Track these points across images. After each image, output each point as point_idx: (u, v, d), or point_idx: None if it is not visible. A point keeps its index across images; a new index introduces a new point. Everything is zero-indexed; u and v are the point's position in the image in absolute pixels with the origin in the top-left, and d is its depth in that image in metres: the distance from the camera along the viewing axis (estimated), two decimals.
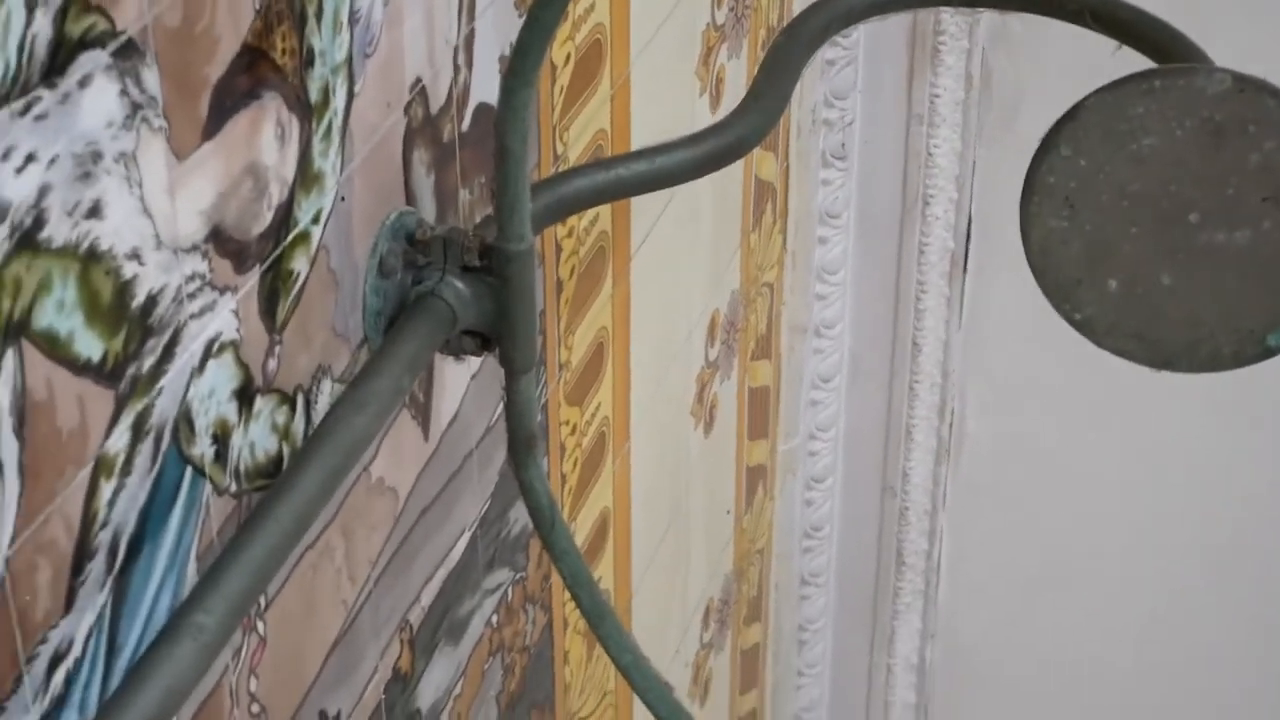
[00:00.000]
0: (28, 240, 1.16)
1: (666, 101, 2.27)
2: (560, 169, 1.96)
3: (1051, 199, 1.71)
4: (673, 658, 2.73)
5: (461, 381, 1.85)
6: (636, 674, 1.78)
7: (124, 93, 1.23)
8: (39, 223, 1.17)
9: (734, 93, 2.46)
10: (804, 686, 3.38)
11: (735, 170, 2.56)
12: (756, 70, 1.92)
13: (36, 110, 1.15)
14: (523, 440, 1.67)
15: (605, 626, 1.76)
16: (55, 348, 1.20)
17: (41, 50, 1.14)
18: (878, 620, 3.35)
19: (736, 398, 2.82)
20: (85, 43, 1.18)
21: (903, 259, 3.00)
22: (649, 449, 2.42)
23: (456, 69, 1.71)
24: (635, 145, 2.14)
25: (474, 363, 1.84)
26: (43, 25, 1.14)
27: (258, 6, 1.37)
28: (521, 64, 1.48)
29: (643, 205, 2.24)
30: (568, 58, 1.97)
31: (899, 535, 3.26)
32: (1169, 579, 3.23)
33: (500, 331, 1.62)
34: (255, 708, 1.54)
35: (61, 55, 1.16)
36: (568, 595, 2.22)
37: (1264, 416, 3.05)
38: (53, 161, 1.17)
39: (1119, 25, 1.96)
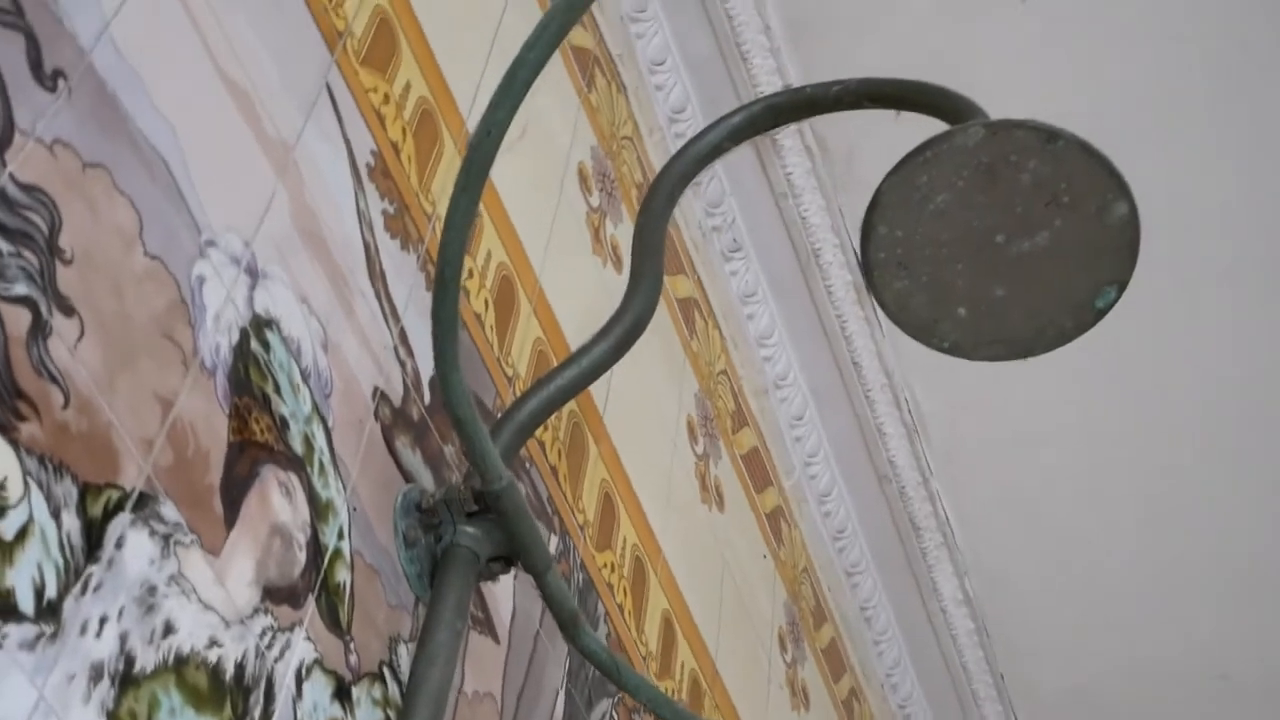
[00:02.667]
0: (127, 679, 1.23)
1: (579, 286, 2.34)
2: (516, 388, 2.02)
3: (886, 269, 1.78)
4: (768, 686, 2.78)
5: (508, 585, 1.91)
6: None
7: (153, 533, 1.29)
8: (129, 661, 1.23)
9: (629, 250, 2.52)
10: (883, 652, 3.43)
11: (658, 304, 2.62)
12: (630, 251, 1.98)
13: (93, 584, 1.21)
14: (567, 620, 1.73)
15: None
16: None
17: (78, 540, 1.21)
18: (918, 578, 3.39)
19: (734, 468, 2.88)
20: (108, 514, 1.25)
21: (818, 303, 3.05)
22: (680, 548, 2.48)
23: (402, 363, 1.78)
24: (567, 333, 2.20)
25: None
26: (70, 522, 1.21)
27: (227, 410, 1.44)
28: (442, 356, 1.55)
29: None
30: (486, 303, 2.04)
31: (906, 508, 3.30)
32: (1140, 461, 3.24)
33: (515, 550, 1.68)
34: None
35: (94, 534, 1.23)
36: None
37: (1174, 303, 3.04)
38: (121, 613, 1.24)
39: (889, 99, 2.02)
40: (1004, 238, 1.74)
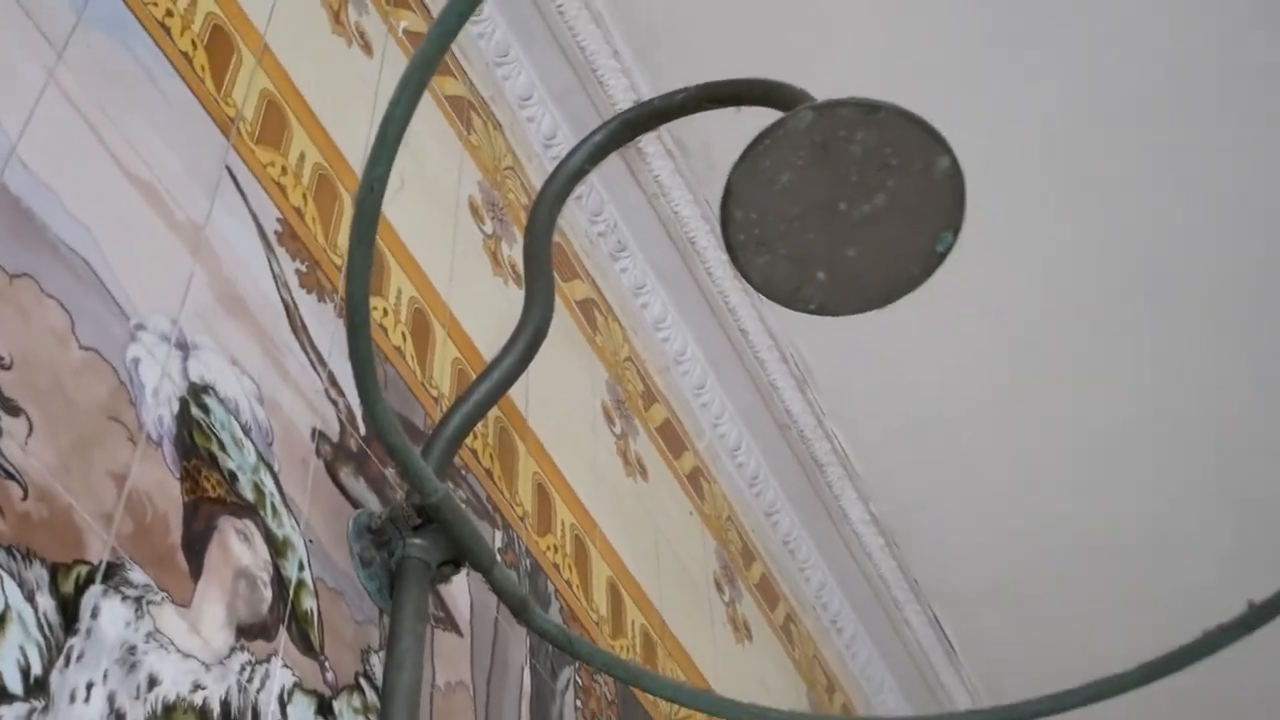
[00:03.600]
0: None
1: (486, 307, 2.29)
2: (441, 406, 1.98)
3: (748, 249, 1.74)
4: (713, 626, 2.75)
5: (462, 582, 1.86)
6: (682, 695, 1.80)
7: (125, 598, 1.24)
8: (120, 719, 1.18)
9: None
10: (809, 577, 3.41)
11: (559, 307, 2.58)
12: (523, 270, 1.95)
13: (75, 655, 1.16)
14: (518, 606, 1.69)
15: (645, 681, 1.79)
16: None
17: (55, 617, 1.16)
18: (828, 508, 3.37)
19: (650, 441, 2.85)
20: (80, 588, 1.20)
21: (701, 285, 3.02)
22: (614, 520, 2.45)
23: (334, 402, 1.73)
24: (481, 350, 2.16)
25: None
26: (45, 602, 1.15)
27: (178, 474, 1.39)
28: (365, 392, 1.50)
29: None
30: (404, 335, 1.99)
31: (807, 449, 3.28)
32: (1006, 373, 3.24)
33: (461, 552, 1.64)
34: None
35: (70, 608, 1.18)
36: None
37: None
38: (105, 676, 1.19)
39: (726, 98, 1.99)
40: (846, 204, 1.70)
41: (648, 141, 2.89)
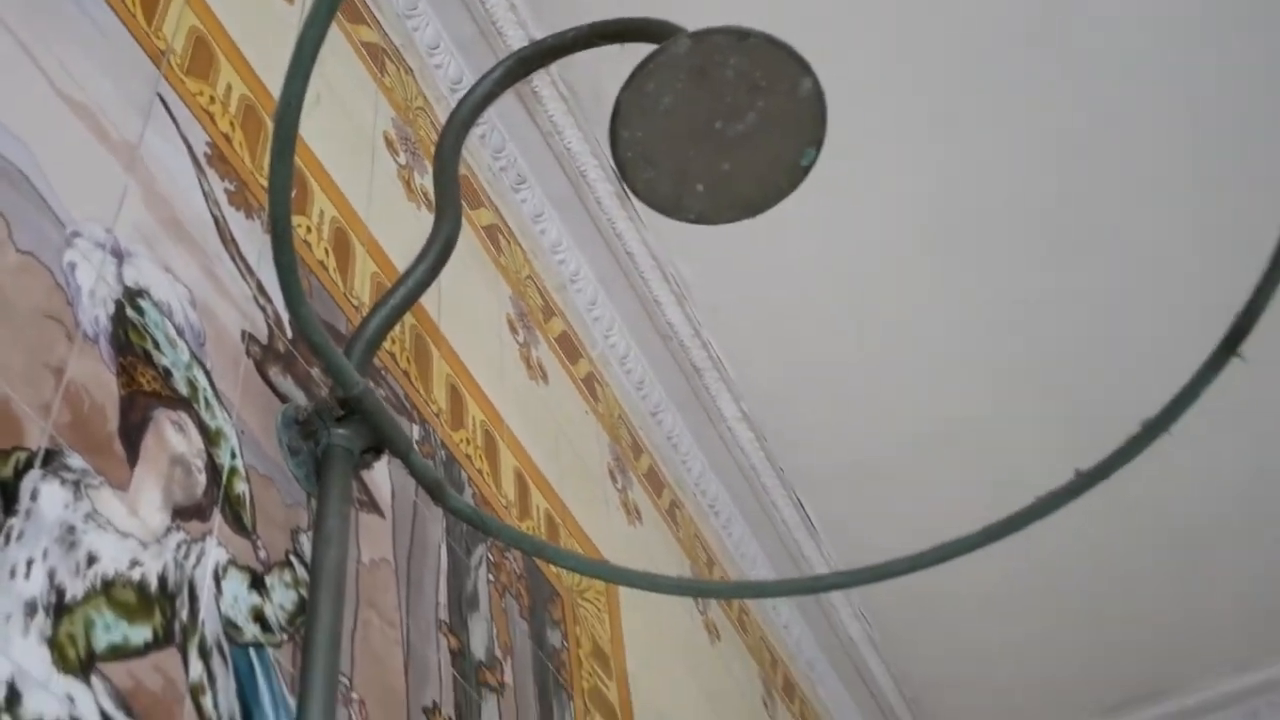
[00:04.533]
0: (60, 609, 1.08)
1: (401, 229, 2.19)
2: (362, 313, 1.88)
3: (635, 165, 1.66)
4: (607, 510, 2.69)
5: (383, 469, 1.78)
6: (582, 565, 1.73)
7: (63, 482, 1.14)
8: (60, 593, 1.09)
9: None
10: (690, 468, 3.36)
11: (467, 231, 2.49)
12: (434, 186, 1.84)
13: (15, 535, 1.06)
14: (433, 487, 1.61)
15: (548, 553, 1.72)
16: (121, 653, 1.13)
17: None
18: (705, 407, 3.32)
19: (550, 349, 2.77)
20: (19, 473, 1.10)
21: (591, 213, 2.94)
22: (520, 418, 2.37)
23: (262, 308, 1.63)
24: (397, 265, 2.06)
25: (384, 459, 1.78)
26: None
27: (114, 370, 1.28)
28: (289, 294, 1.40)
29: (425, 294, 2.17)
30: (327, 251, 1.89)
31: (687, 356, 3.22)
32: (862, 278, 3.20)
33: (380, 440, 1.55)
34: None
35: (9, 492, 1.08)
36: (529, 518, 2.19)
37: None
38: (45, 554, 1.09)
39: (612, 35, 1.90)
40: (721, 123, 1.63)
41: (543, 85, 2.79)
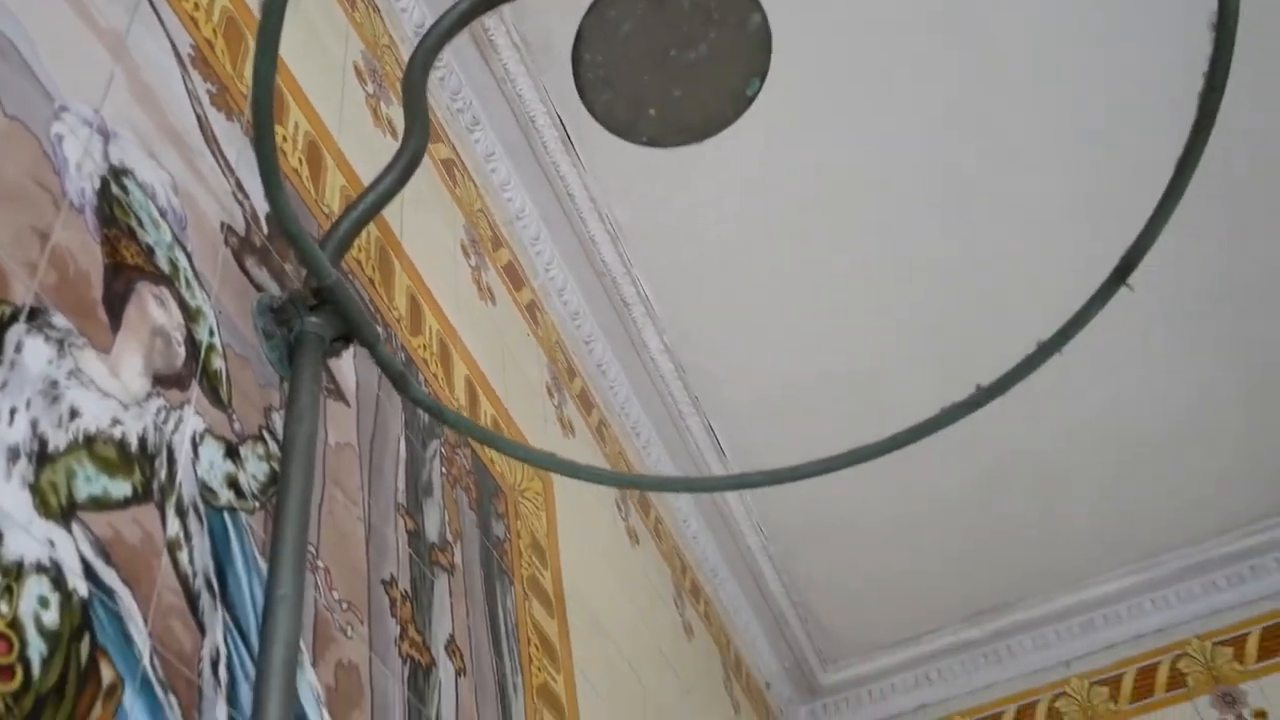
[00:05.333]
0: (43, 457, 0.97)
1: (368, 151, 2.06)
2: (332, 219, 1.76)
3: (594, 88, 1.56)
4: (545, 423, 2.60)
5: (349, 364, 1.67)
6: (531, 455, 1.65)
7: (48, 339, 1.03)
8: (43, 443, 0.98)
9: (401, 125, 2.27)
10: (617, 392, 3.27)
11: (427, 162, 2.37)
12: (403, 103, 1.73)
13: None
14: (397, 377, 1.51)
15: (500, 443, 1.63)
16: (101, 505, 1.02)
17: None
18: (632, 339, 3.23)
19: (498, 276, 2.66)
20: (3, 325, 0.98)
21: (538, 155, 2.82)
22: (470, 333, 2.27)
23: (241, 203, 1.51)
24: (363, 179, 1.94)
25: (351, 351, 1.67)
26: None
27: (99, 240, 1.17)
28: (269, 180, 1.29)
29: (388, 212, 2.05)
30: (301, 160, 1.77)
31: (618, 292, 3.13)
32: (785, 223, 3.12)
33: (350, 330, 1.45)
34: (343, 603, 1.39)
35: None
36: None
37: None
38: (28, 404, 0.98)
39: None
40: (676, 51, 1.54)
41: (499, 35, 2.67)
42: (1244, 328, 3.56)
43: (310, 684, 1.25)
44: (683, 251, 3.15)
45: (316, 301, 1.42)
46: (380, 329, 1.82)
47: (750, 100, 1.59)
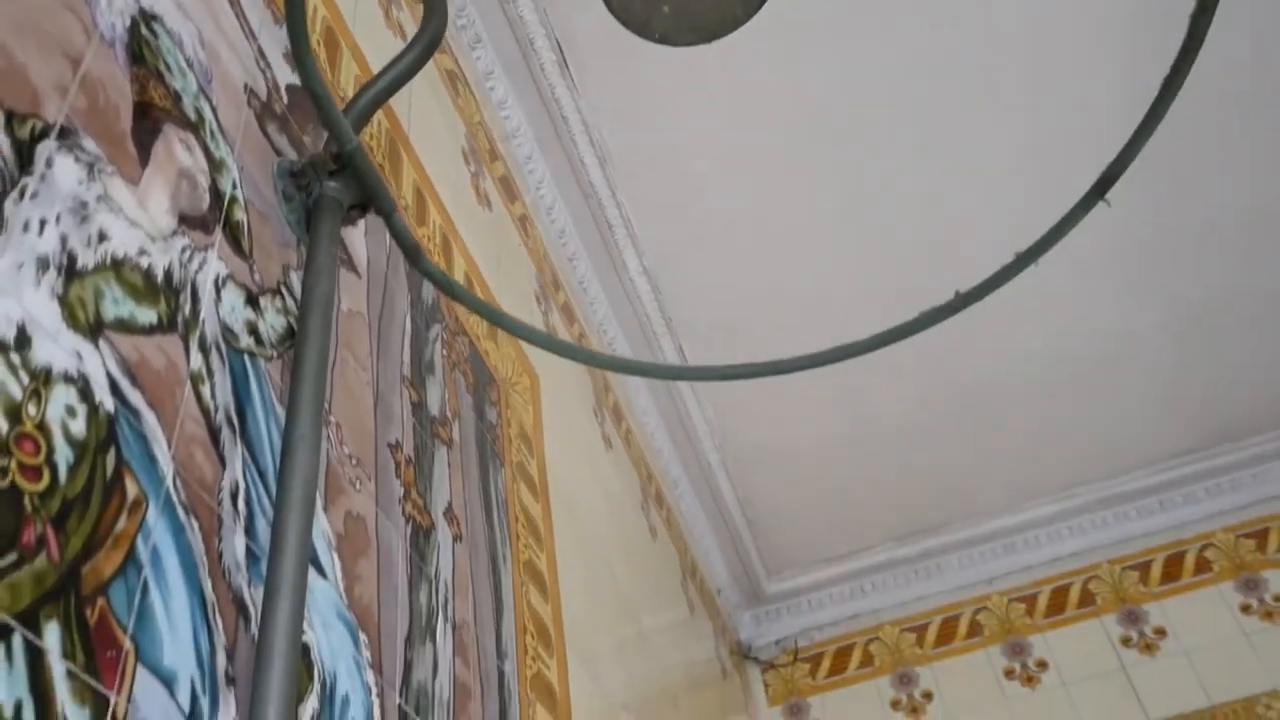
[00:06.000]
0: (71, 272, 0.88)
1: (381, 49, 1.95)
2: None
3: None
4: (532, 323, 2.52)
5: (360, 239, 1.58)
6: (536, 336, 1.57)
7: (78, 159, 0.94)
8: (72, 259, 0.89)
9: (412, 31, 2.16)
10: (596, 309, 3.20)
11: (432, 70, 2.27)
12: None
13: (30, 192, 0.86)
14: (411, 250, 1.43)
15: (505, 321, 1.54)
16: (127, 328, 0.94)
17: (10, 154, 0.85)
18: (613, 259, 3.15)
19: (494, 185, 2.56)
20: (35, 138, 0.89)
21: (535, 77, 2.71)
22: (468, 233, 2.17)
23: (263, 70, 1.41)
24: (371, 63, 1.83)
25: (363, 226, 1.58)
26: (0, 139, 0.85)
27: (128, 76, 1.07)
28: (296, 39, 1.20)
29: (398, 107, 1.95)
30: (319, 43, 1.67)
31: (603, 214, 3.03)
32: (764, 156, 3.05)
33: (368, 198, 1.36)
34: (352, 458, 1.32)
35: (25, 152, 0.87)
36: (473, 319, 2.01)
37: None
38: (58, 219, 0.89)
39: None
40: None
41: None
42: (1174, 277, 3.54)
43: (322, 529, 1.17)
44: (666, 179, 3.06)
45: (336, 167, 1.33)
46: None
47: (761, 2, 1.51)
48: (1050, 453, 4.13)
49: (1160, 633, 4.05)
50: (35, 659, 0.73)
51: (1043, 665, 4.10)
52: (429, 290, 1.78)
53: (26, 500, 0.76)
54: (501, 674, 1.59)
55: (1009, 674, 4.12)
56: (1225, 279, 3.58)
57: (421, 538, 1.44)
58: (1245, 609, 4.03)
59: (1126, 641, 4.07)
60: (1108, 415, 4.00)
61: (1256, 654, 3.90)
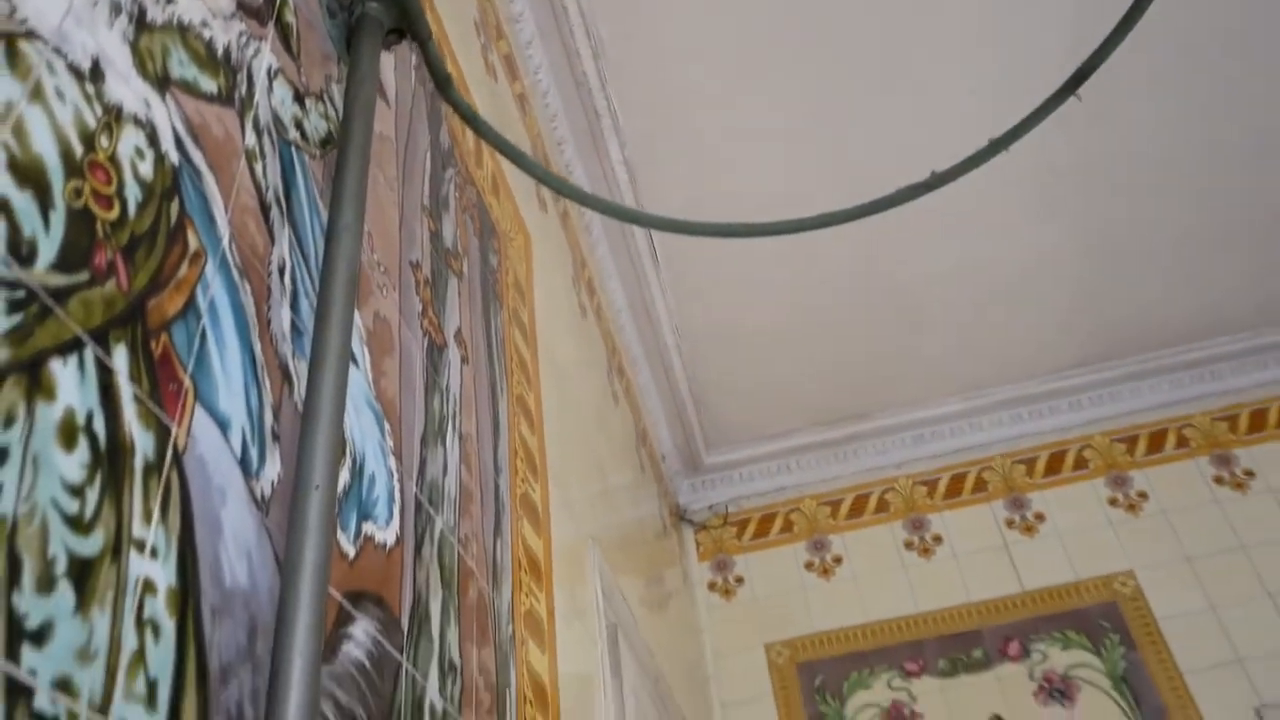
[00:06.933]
0: (142, 23, 0.79)
1: None
2: None
3: None
4: (528, 195, 2.43)
5: (389, 73, 1.48)
6: (545, 175, 1.49)
7: None
8: (142, 10, 0.80)
9: None
10: (589, 223, 3.10)
11: None
12: None
13: None
14: (443, 80, 1.34)
15: (523, 160, 1.47)
16: (191, 91, 0.85)
17: None
18: (596, 144, 3.04)
19: (500, 61, 2.44)
20: None
21: None
22: (477, 97, 2.06)
23: None
24: None
25: (392, 61, 1.48)
26: None
27: None
28: None
29: None
30: None
31: (591, 102, 2.92)
32: (766, 79, 2.96)
33: (407, 22, 1.26)
34: (380, 266, 1.24)
35: None
36: (480, 172, 1.92)
37: None
38: None
39: None
40: None
41: None
42: (1084, 207, 3.53)
43: (356, 319, 1.10)
44: (654, 77, 2.95)
45: None
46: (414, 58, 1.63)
47: None
48: (961, 357, 4.15)
49: (1039, 518, 4.14)
50: (106, 378, 0.66)
51: (938, 540, 4.18)
52: (445, 135, 1.69)
53: (98, 225, 0.68)
54: (497, 488, 1.54)
55: (908, 545, 4.19)
56: (1131, 213, 3.57)
57: (435, 353, 1.38)
58: (1112, 502, 4.12)
59: (1010, 524, 4.15)
60: (1013, 327, 4.02)
61: (1118, 540, 4.01)
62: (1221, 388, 4.26)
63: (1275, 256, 3.82)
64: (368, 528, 1.03)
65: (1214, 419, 4.22)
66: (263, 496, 0.83)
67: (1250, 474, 4.05)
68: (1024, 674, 3.79)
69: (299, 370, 0.94)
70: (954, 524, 4.20)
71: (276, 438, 0.87)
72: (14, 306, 0.59)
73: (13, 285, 0.60)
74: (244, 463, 0.81)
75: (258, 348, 0.87)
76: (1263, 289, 3.98)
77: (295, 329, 0.94)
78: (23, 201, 0.62)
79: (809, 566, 4.24)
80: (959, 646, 3.91)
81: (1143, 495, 4.11)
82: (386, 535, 1.07)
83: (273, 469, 0.85)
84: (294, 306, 0.95)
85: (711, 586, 4.28)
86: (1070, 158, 3.32)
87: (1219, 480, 4.07)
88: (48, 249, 0.63)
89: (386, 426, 1.13)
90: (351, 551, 0.99)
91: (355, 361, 1.08)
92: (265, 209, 0.94)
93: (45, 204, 0.63)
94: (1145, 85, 3.12)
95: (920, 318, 3.90)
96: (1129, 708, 3.61)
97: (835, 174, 3.17)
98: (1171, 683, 3.62)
